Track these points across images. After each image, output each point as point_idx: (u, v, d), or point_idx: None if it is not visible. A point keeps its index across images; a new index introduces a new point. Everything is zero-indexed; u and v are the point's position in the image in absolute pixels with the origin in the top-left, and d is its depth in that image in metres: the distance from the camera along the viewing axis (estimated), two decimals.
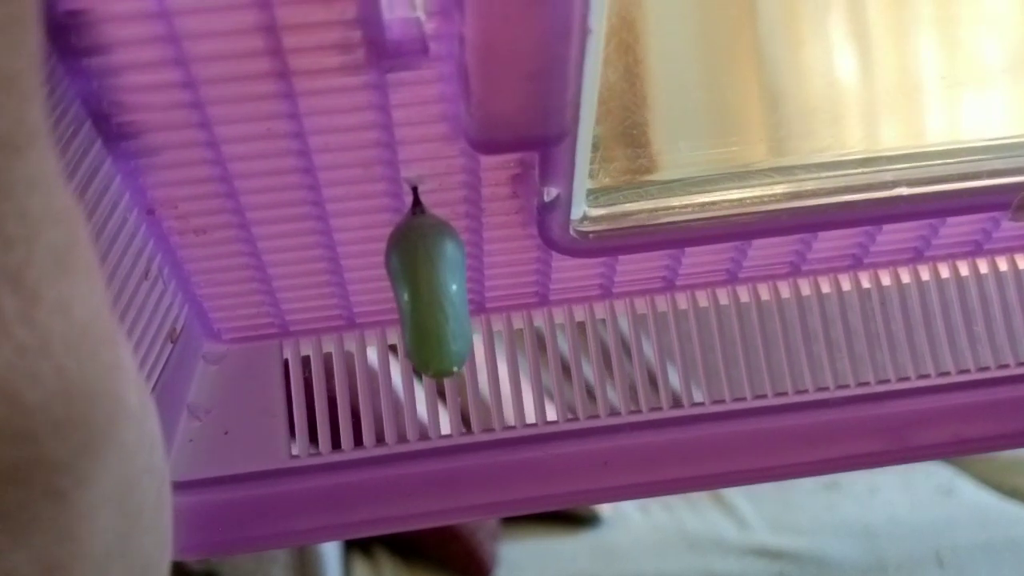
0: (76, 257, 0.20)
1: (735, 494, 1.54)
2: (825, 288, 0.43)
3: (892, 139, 0.39)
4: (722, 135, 0.39)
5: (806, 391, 0.43)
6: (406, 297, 0.32)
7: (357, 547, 1.30)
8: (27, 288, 0.18)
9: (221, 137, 0.31)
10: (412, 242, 0.32)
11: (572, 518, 1.46)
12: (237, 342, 0.41)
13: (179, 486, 0.40)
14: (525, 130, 0.30)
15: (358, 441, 0.41)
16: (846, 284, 0.43)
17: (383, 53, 0.29)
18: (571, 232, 0.36)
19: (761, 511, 1.50)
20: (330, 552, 1.18)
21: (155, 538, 0.24)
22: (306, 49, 0.28)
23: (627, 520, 1.48)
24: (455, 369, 0.32)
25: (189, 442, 0.40)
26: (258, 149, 0.32)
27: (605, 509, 1.46)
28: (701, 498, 1.54)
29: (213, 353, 0.41)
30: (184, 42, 0.28)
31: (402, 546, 1.33)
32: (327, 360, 0.41)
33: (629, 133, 0.37)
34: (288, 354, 0.41)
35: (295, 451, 0.41)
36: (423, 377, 0.39)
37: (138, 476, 0.22)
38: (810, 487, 1.57)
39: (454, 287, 0.32)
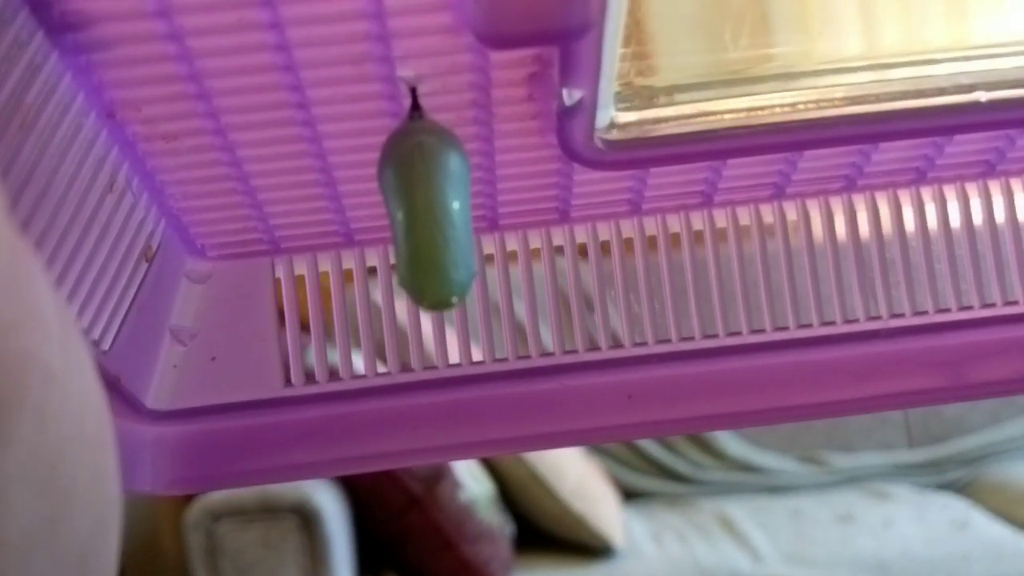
0: None
1: (749, 526, 1.55)
2: (882, 206, 0.38)
3: (970, 35, 0.34)
4: (774, 29, 0.33)
5: (856, 320, 0.38)
6: (400, 217, 0.28)
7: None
8: None
9: (183, 28, 0.26)
10: (408, 153, 0.28)
11: (586, 549, 1.45)
12: (224, 259, 0.37)
13: (163, 415, 0.37)
14: (542, 20, 0.25)
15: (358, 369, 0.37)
16: (906, 201, 0.38)
17: None
18: (596, 142, 0.32)
19: (775, 543, 1.49)
20: None
21: (92, 518, 0.20)
22: None
23: (641, 552, 1.47)
24: (454, 300, 0.28)
25: (173, 368, 0.37)
26: (229, 42, 0.27)
27: (619, 541, 1.45)
28: (714, 529, 1.56)
29: (197, 271, 0.37)
30: None
31: (414, 573, 1.33)
32: (323, 279, 0.37)
33: (667, 24, 0.32)
34: (281, 273, 0.37)
35: (289, 379, 0.37)
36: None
37: (64, 447, 0.19)
38: (825, 519, 1.58)
39: (456, 205, 0.28)
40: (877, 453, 1.85)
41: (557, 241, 0.38)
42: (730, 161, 0.36)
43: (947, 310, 0.38)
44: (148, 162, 0.32)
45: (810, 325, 0.38)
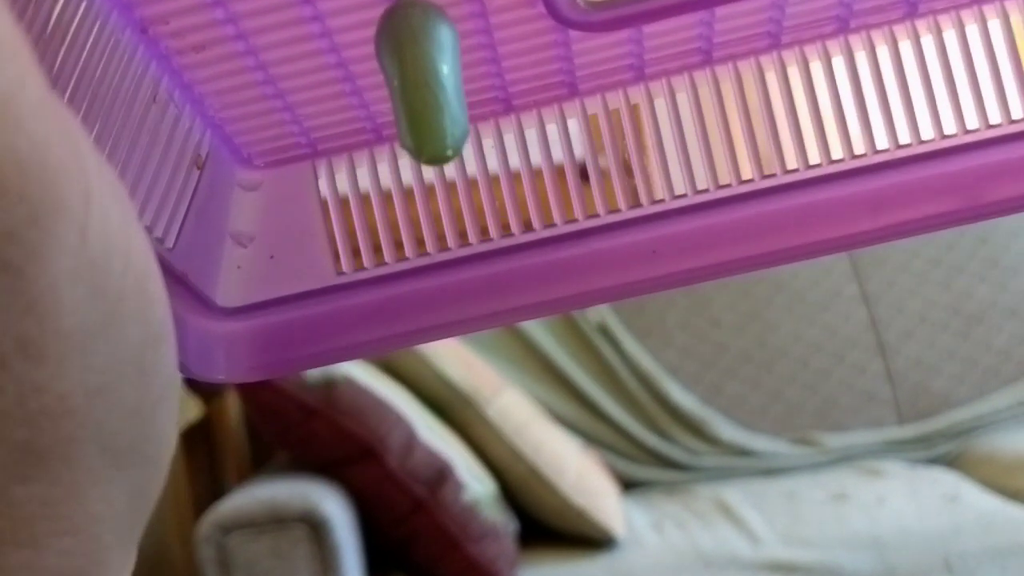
0: None
1: (746, 510, 1.60)
2: (878, 42, 0.40)
3: None
4: None
5: (864, 155, 0.40)
6: (396, 83, 0.31)
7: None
8: None
9: None
10: (397, 23, 0.31)
11: (588, 541, 1.48)
12: (270, 167, 0.41)
13: (232, 312, 0.41)
14: None
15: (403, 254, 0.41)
16: (901, 35, 0.40)
17: None
18: (579, 2, 0.34)
19: (772, 526, 1.54)
20: None
21: (143, 331, 0.24)
22: None
23: (642, 541, 1.51)
24: (449, 153, 0.31)
25: (237, 268, 0.41)
26: None
27: (620, 531, 1.49)
28: (713, 515, 1.62)
29: (248, 180, 0.41)
30: None
31: (422, 574, 1.37)
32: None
33: None
34: (322, 173, 0.41)
35: (340, 268, 0.41)
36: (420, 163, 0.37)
37: (108, 263, 0.22)
38: (819, 499, 1.63)
39: (445, 69, 0.31)
40: (868, 431, 1.91)
41: (570, 115, 0.41)
42: (720, 12, 0.38)
43: (953, 136, 0.39)
44: (184, 75, 0.36)
45: (819, 165, 0.40)
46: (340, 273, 0.41)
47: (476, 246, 0.41)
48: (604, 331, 1.91)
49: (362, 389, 1.39)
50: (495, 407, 1.55)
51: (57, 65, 0.30)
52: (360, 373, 1.42)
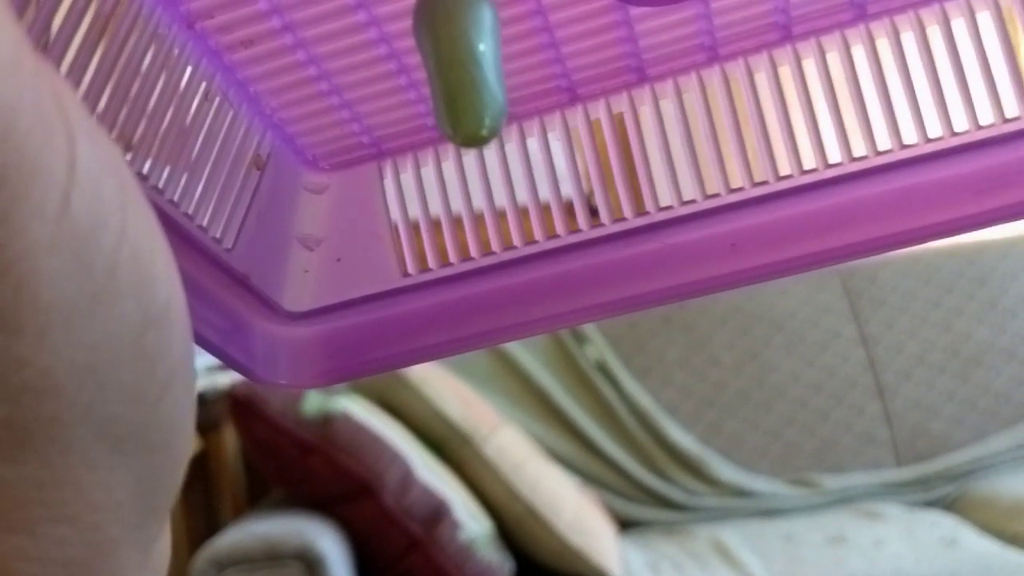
0: None
1: (743, 552, 1.57)
2: (978, 7, 0.36)
3: None
4: None
5: (967, 132, 0.36)
6: (432, 63, 0.30)
7: None
8: None
9: None
10: (434, 2, 0.30)
11: None
12: (336, 169, 0.40)
13: (300, 316, 0.40)
14: None
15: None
16: (979, 5, 0.36)
17: None
18: None
19: (770, 568, 1.50)
20: None
21: (141, 308, 0.23)
22: None
23: None
24: (484, 134, 0.29)
25: (304, 272, 0.40)
26: None
27: (616, 572, 1.49)
28: (710, 556, 1.58)
29: (314, 183, 0.41)
30: None
31: None
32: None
33: None
34: (387, 174, 0.40)
35: (406, 270, 0.40)
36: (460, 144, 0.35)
37: (96, 231, 0.22)
38: (817, 541, 1.59)
39: (481, 47, 0.29)
40: (866, 473, 1.84)
41: (640, 103, 0.39)
42: None
43: None
44: (237, 72, 0.35)
45: (915, 144, 0.36)
46: (406, 275, 0.40)
47: (543, 243, 0.39)
48: (603, 369, 1.87)
49: (359, 426, 1.39)
50: (492, 445, 1.53)
51: (97, 59, 0.30)
52: (357, 409, 1.43)
